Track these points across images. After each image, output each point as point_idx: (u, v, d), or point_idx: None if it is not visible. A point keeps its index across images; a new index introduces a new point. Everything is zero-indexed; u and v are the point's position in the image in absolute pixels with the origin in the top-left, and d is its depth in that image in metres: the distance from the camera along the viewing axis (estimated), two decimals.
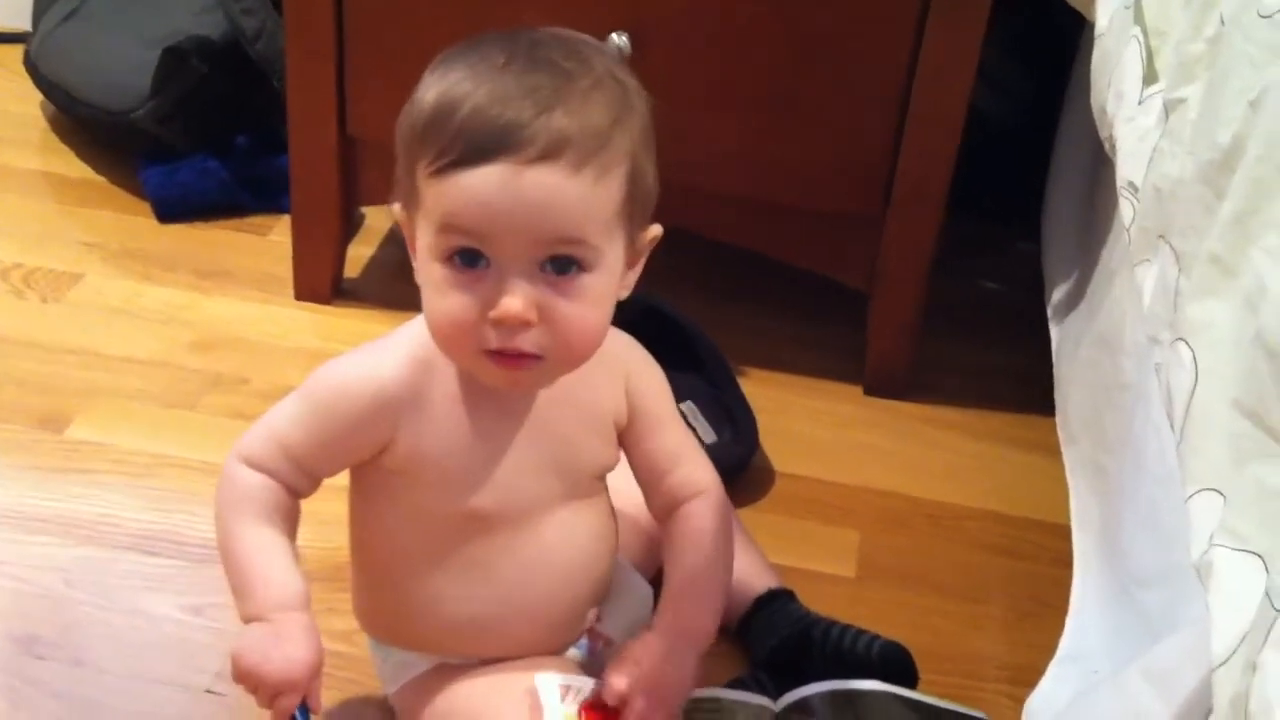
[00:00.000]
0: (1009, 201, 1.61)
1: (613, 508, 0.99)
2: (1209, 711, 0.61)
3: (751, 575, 1.11)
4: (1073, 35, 1.46)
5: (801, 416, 1.37)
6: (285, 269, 1.48)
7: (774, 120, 1.30)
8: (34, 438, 1.27)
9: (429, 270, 0.84)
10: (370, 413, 0.89)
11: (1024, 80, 1.60)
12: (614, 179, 0.83)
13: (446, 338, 0.86)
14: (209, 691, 1.04)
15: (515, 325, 0.82)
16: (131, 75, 1.60)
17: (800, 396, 1.39)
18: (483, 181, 0.80)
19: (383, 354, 0.90)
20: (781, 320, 1.49)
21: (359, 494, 0.95)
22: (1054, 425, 1.24)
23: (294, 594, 0.87)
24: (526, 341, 0.83)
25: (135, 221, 1.59)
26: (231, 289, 1.50)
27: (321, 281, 1.48)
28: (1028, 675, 1.07)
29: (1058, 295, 1.32)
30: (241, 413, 1.32)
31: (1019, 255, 1.58)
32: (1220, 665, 0.60)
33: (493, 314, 0.82)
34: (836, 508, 1.26)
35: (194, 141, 1.62)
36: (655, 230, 0.89)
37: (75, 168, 1.69)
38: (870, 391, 1.41)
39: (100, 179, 1.67)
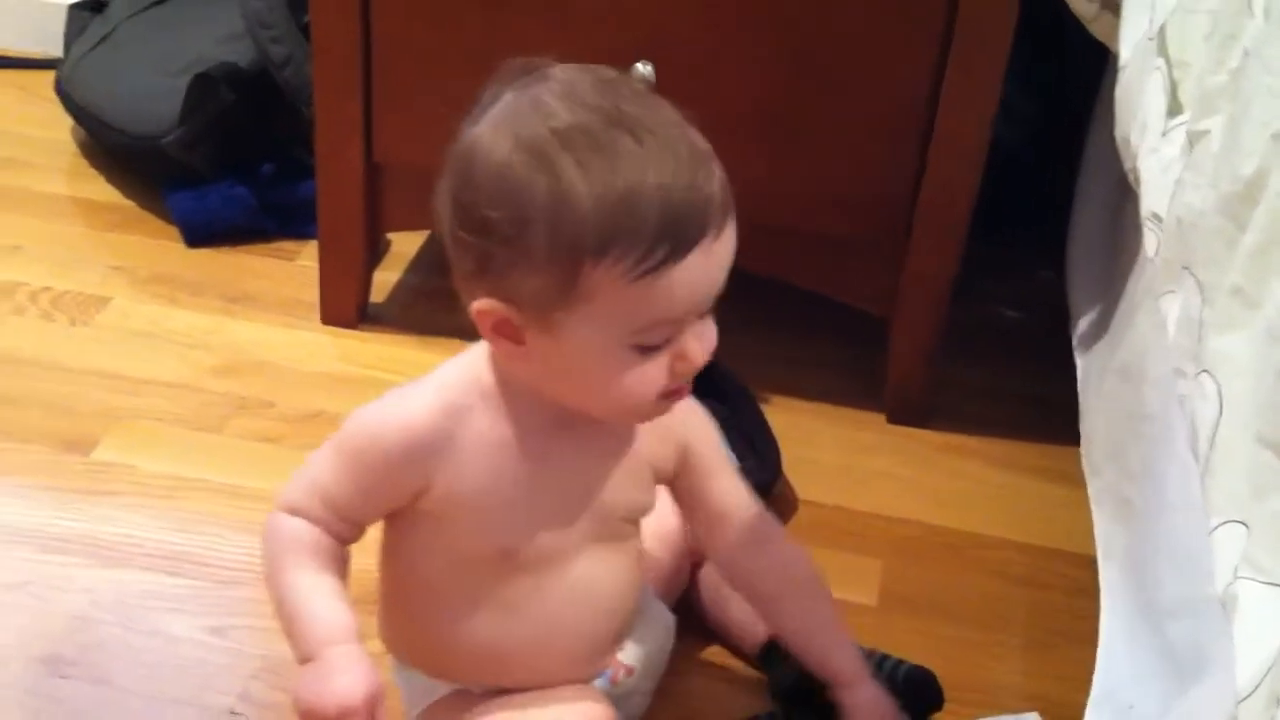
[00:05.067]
0: (1021, 226, 1.61)
1: (641, 549, 1.00)
2: None
3: None
4: (1074, 56, 1.47)
5: (824, 444, 1.37)
6: (312, 294, 1.49)
7: (796, 147, 1.31)
8: (60, 459, 1.28)
9: (608, 359, 0.83)
10: (404, 460, 0.89)
11: (1028, 103, 1.60)
12: None
13: (625, 404, 0.86)
14: (231, 713, 1.05)
15: (699, 367, 0.85)
16: (160, 101, 1.61)
17: (823, 424, 1.40)
18: (691, 270, 0.80)
19: (414, 400, 0.90)
20: (804, 347, 1.49)
21: (391, 530, 0.95)
22: (1075, 454, 1.23)
23: (340, 628, 0.87)
24: (695, 374, 0.86)
25: (163, 246, 1.61)
26: (258, 313, 1.51)
27: (347, 306, 1.49)
28: (1047, 705, 1.07)
29: (1083, 325, 1.32)
30: (267, 436, 1.33)
31: (1040, 283, 1.58)
32: (1245, 698, 0.60)
33: (683, 366, 0.84)
34: (858, 536, 1.26)
35: (221, 168, 1.63)
36: None
37: (104, 192, 1.71)
38: (893, 419, 1.41)
39: (129, 204, 1.68)
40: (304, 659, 0.87)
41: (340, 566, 0.91)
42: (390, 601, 0.98)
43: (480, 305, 0.83)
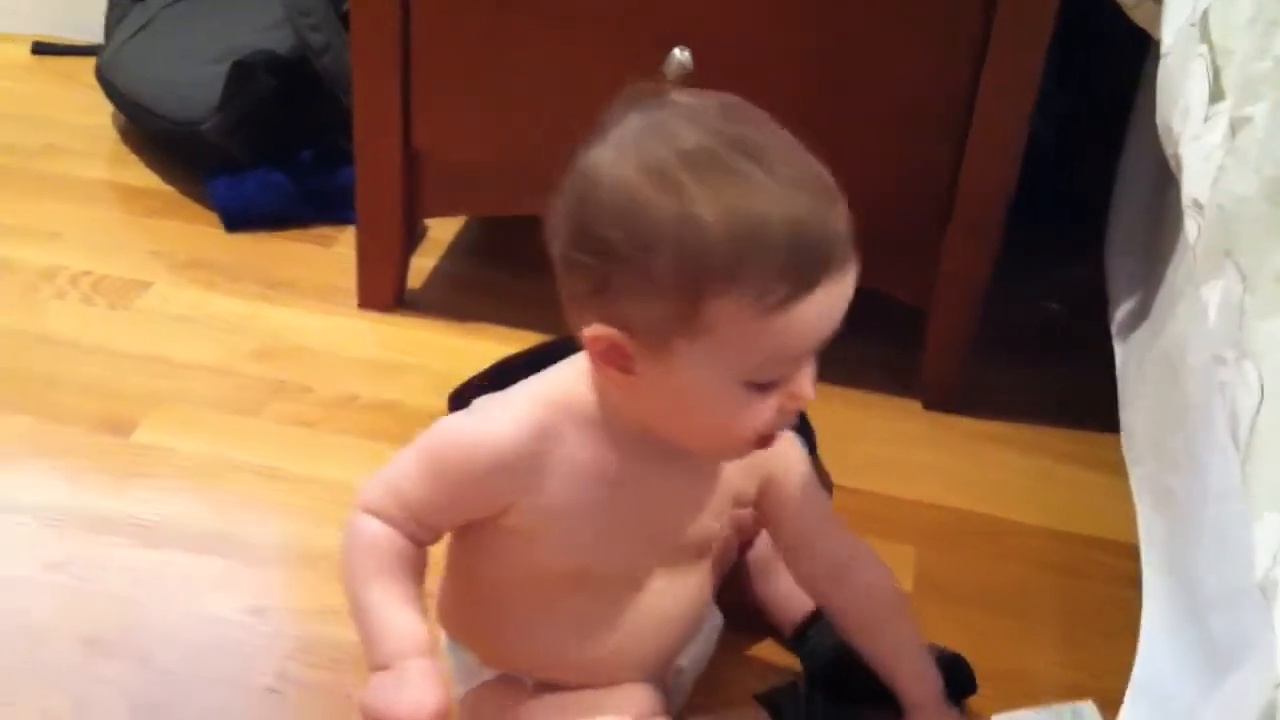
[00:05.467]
0: (1043, 221, 1.60)
1: (710, 571, 1.00)
2: None
3: None
4: (1101, 48, 1.46)
5: (860, 431, 1.37)
6: (349, 279, 1.50)
7: (831, 140, 1.30)
8: (100, 441, 1.29)
9: (721, 393, 0.81)
10: (492, 478, 0.88)
11: (1059, 96, 1.59)
12: None
13: (726, 440, 0.85)
14: (270, 691, 1.06)
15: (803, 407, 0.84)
16: (200, 88, 1.63)
17: (859, 411, 1.39)
18: (814, 307, 0.79)
19: (505, 419, 0.88)
20: (840, 335, 1.49)
21: (465, 533, 0.94)
22: (1113, 442, 1.23)
23: (414, 641, 0.86)
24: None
25: (202, 231, 1.62)
26: (296, 298, 1.52)
27: (384, 292, 1.49)
28: (1082, 693, 1.06)
29: (1122, 313, 1.31)
30: (304, 420, 1.34)
31: (1077, 273, 1.57)
32: None
33: (792, 405, 0.83)
34: (893, 522, 1.26)
35: (260, 154, 1.64)
36: None
37: (144, 178, 1.72)
38: (928, 406, 1.41)
39: (169, 189, 1.70)
40: (376, 666, 0.87)
41: (418, 571, 0.90)
42: (454, 591, 0.98)
43: (593, 331, 0.81)
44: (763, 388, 0.82)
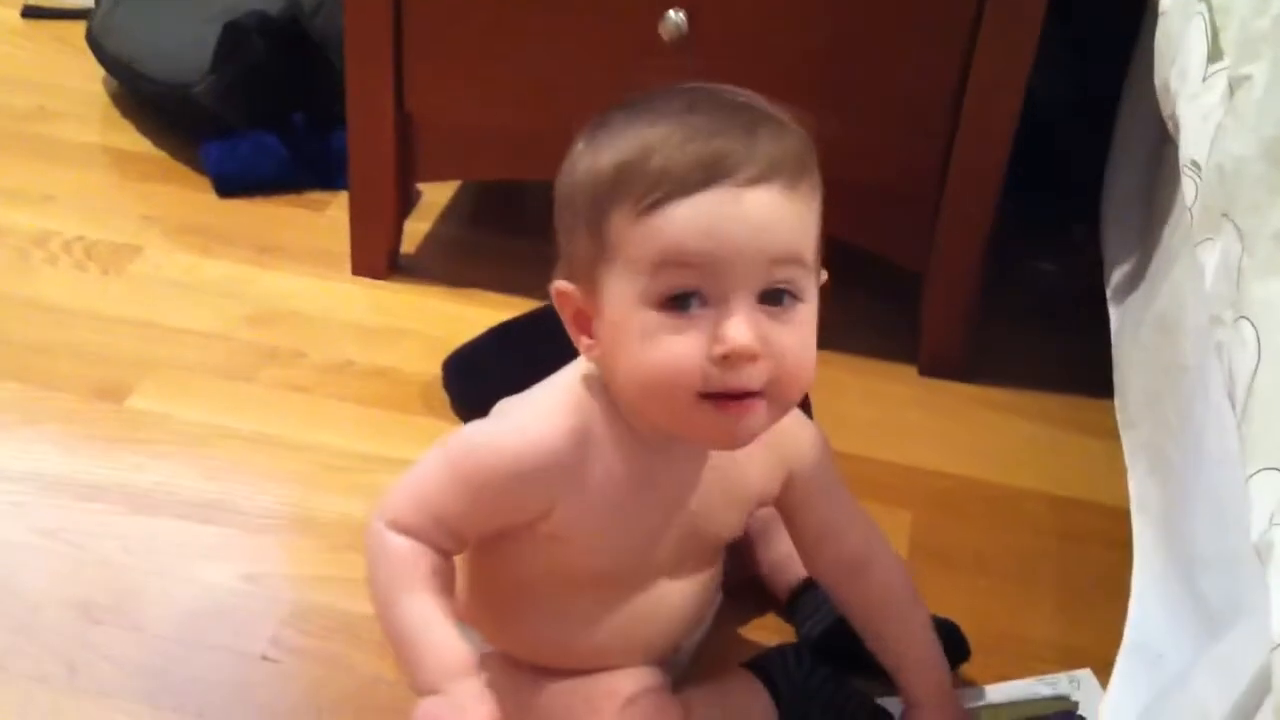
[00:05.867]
0: (1053, 182, 1.59)
1: (721, 563, 1.01)
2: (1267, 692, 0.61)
3: None
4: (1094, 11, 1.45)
5: (855, 396, 1.36)
6: (342, 244, 1.49)
7: (830, 97, 1.29)
8: (93, 407, 1.29)
9: (634, 321, 0.80)
10: (527, 488, 0.87)
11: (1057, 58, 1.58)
12: (816, 205, 0.83)
13: (657, 389, 0.81)
14: (264, 658, 1.05)
15: (742, 360, 0.79)
16: (191, 50, 1.61)
17: (854, 376, 1.39)
18: (703, 209, 0.77)
19: (537, 426, 0.87)
20: (836, 300, 1.48)
21: (483, 538, 0.93)
22: (1110, 408, 1.23)
23: (461, 662, 0.85)
24: (752, 378, 0.80)
25: (195, 196, 1.61)
26: (289, 264, 1.51)
27: (378, 257, 1.48)
28: (1080, 658, 1.06)
29: (1117, 277, 1.31)
30: (298, 386, 1.33)
31: (1074, 237, 1.56)
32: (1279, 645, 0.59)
33: (719, 348, 0.78)
34: (889, 487, 1.26)
35: (252, 117, 1.63)
36: (823, 276, 0.87)
37: (136, 143, 1.71)
38: (925, 372, 1.40)
39: (161, 154, 1.68)
40: (423, 689, 0.85)
41: (450, 584, 0.89)
42: (469, 582, 0.97)
43: (554, 286, 0.84)
44: (672, 311, 0.79)
